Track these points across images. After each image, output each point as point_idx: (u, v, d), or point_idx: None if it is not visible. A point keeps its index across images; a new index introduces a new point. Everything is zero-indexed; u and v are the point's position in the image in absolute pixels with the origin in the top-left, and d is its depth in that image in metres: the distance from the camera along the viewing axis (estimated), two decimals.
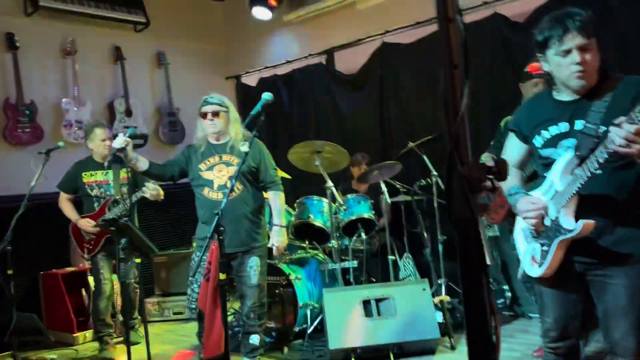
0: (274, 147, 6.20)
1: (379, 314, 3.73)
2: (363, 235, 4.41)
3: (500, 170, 0.96)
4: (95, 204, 4.40)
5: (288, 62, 6.58)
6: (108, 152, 4.36)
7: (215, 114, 3.44)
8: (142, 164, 3.44)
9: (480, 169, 0.94)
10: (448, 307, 4.05)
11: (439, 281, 4.39)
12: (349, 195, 4.48)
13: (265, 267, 3.56)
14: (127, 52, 6.10)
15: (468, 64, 0.95)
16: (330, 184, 4.19)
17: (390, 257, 4.36)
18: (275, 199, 3.59)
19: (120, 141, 3.21)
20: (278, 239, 3.54)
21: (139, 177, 4.14)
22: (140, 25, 6.22)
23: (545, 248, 2.04)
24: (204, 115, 3.44)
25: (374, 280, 4.88)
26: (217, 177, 3.44)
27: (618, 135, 1.69)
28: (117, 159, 3.27)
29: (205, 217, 3.40)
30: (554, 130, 2.04)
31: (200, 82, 6.68)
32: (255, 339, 3.57)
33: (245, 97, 7.12)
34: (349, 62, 6.19)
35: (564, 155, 1.98)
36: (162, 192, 4.10)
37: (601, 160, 1.80)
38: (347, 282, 4.47)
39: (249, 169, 3.44)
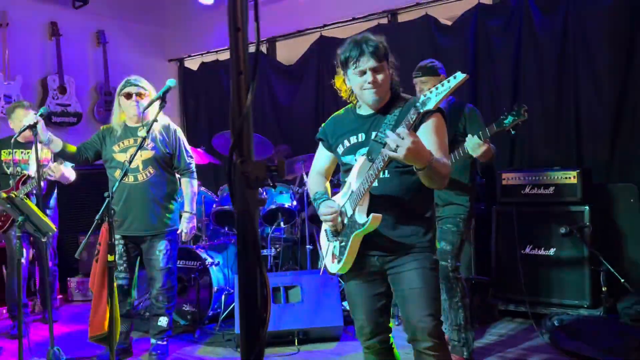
0: (212, 132, 6.21)
1: (287, 300, 3.85)
2: (282, 225, 4.51)
3: (279, 169, 1.06)
4: (11, 182, 4.36)
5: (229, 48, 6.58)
6: (29, 132, 4.34)
7: (139, 95, 3.45)
8: (55, 145, 3.43)
9: (259, 167, 1.03)
10: None
11: None
12: None
13: (176, 251, 3.62)
14: (64, 28, 6.00)
15: (256, 70, 1.04)
16: None
17: (308, 247, 4.48)
18: (187, 186, 3.64)
19: (29, 118, 3.20)
20: (186, 225, 3.60)
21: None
22: (79, 2, 6.12)
23: (343, 244, 2.25)
24: (127, 96, 3.43)
25: (297, 268, 5.01)
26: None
27: (389, 139, 1.96)
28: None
29: (118, 197, 3.42)
30: (353, 139, 2.31)
31: (141, 63, 6.61)
32: (163, 321, 3.62)
33: (187, 82, 7.11)
34: (289, 53, 6.27)
35: (358, 160, 2.25)
36: (61, 171, 4.02)
37: (386, 158, 2.04)
38: (267, 270, 4.56)
39: (162, 155, 3.48)
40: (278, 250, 4.66)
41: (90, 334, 2.62)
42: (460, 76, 1.93)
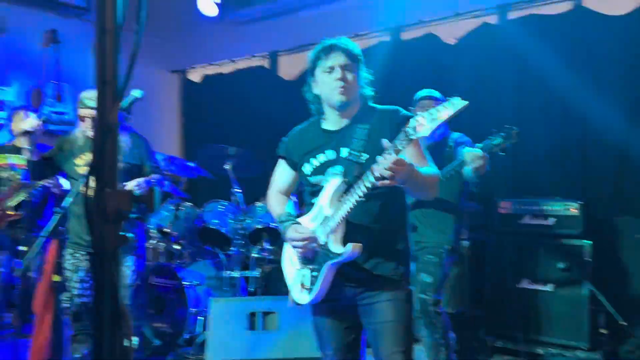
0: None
1: (264, 327, 3.63)
2: (267, 245, 4.31)
3: (147, 200, 0.87)
4: (4, 187, 4.26)
5: (233, 61, 6.48)
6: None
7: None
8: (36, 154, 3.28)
9: (122, 197, 0.85)
10: None
11: None
12: (257, 203, 4.38)
13: (143, 267, 3.43)
14: (65, 36, 5.93)
15: (128, 81, 0.86)
16: (237, 189, 4.13)
17: None
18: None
19: (31, 123, 3.02)
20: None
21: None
22: (81, 10, 6.06)
23: (314, 273, 2.07)
24: (82, 119, 3.23)
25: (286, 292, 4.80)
26: None
27: (382, 166, 1.79)
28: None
29: (80, 212, 3.25)
30: (321, 158, 2.13)
31: (143, 73, 6.44)
32: (132, 342, 3.44)
33: (189, 94, 7.01)
34: (291, 68, 6.12)
35: (332, 181, 2.05)
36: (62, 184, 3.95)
37: (368, 185, 1.87)
38: (250, 293, 4.36)
39: (129, 167, 3.29)
40: (264, 272, 4.44)
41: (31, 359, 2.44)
42: (459, 102, 1.71)
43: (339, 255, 1.97)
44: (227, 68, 6.58)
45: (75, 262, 3.13)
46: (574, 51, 4.20)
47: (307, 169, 2.16)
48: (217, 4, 6.00)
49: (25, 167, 4.22)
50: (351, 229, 2.01)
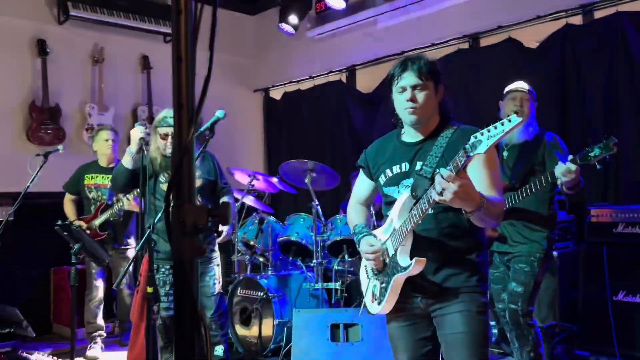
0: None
1: (346, 339, 3.67)
2: (347, 257, 4.35)
3: (221, 214, 0.94)
4: (92, 207, 4.56)
5: (311, 78, 6.63)
6: (111, 152, 4.58)
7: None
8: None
9: (199, 212, 0.92)
10: None
11: None
12: (337, 215, 4.44)
13: (221, 276, 3.59)
14: (155, 61, 6.32)
15: (201, 104, 0.94)
16: (316, 202, 4.20)
17: None
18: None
19: (141, 129, 3.11)
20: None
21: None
22: (169, 36, 6.43)
23: (383, 285, 2.09)
24: (163, 137, 3.33)
25: None
26: None
27: (438, 183, 1.79)
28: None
29: (162, 228, 3.43)
30: (396, 169, 2.14)
31: (228, 93, 6.77)
32: (219, 350, 3.59)
33: (270, 111, 7.23)
34: (368, 81, 6.17)
35: (402, 195, 2.06)
36: (131, 202, 4.21)
37: (430, 201, 1.87)
38: (331, 304, 4.41)
39: (206, 182, 3.47)
40: (345, 283, 4.47)
41: None
42: (515, 120, 1.78)
43: (405, 268, 2.00)
44: (305, 85, 6.74)
45: (161, 277, 3.30)
46: None
47: (382, 179, 2.18)
48: (292, 24, 6.16)
49: (108, 187, 4.51)
50: (419, 242, 2.03)
